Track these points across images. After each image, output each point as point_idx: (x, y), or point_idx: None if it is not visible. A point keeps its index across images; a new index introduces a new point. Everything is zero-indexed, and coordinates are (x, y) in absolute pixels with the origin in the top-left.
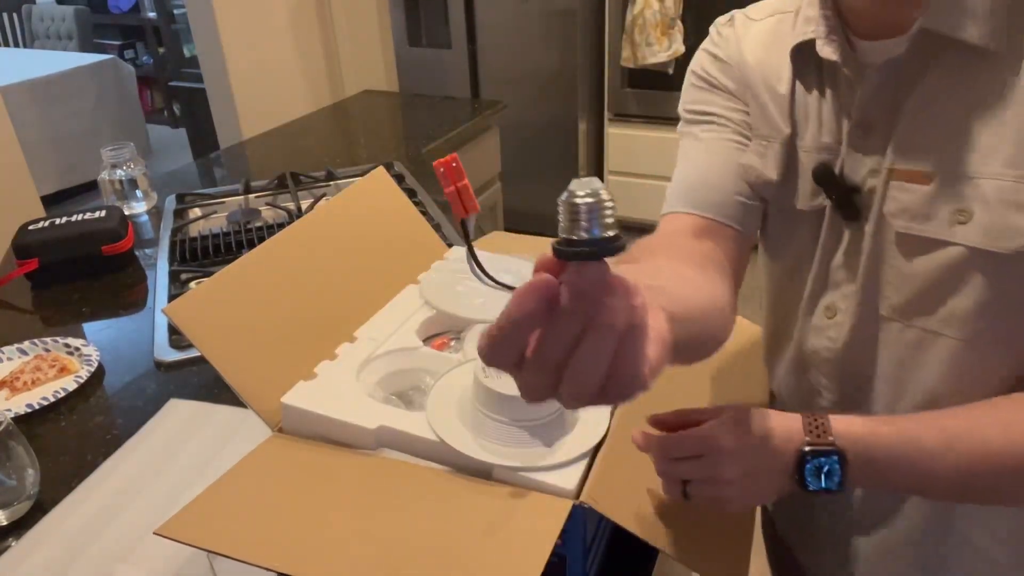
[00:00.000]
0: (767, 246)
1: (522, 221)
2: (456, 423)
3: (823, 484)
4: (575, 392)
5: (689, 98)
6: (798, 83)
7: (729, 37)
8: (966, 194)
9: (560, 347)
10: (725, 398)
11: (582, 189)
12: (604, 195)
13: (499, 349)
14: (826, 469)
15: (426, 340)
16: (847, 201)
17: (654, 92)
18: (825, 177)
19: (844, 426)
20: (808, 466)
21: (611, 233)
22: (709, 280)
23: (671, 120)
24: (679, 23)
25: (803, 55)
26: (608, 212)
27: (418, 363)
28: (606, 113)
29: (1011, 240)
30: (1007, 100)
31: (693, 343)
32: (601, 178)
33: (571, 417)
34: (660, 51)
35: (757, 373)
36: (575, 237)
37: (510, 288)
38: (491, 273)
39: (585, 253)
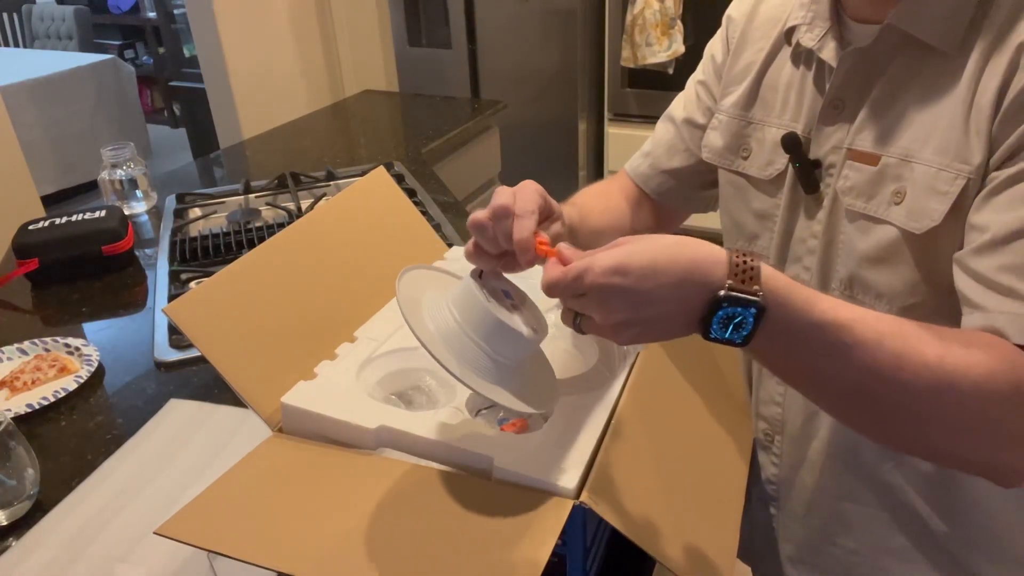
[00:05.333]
0: (727, 216)
1: None
2: (432, 331)
3: (727, 335)
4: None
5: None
6: (779, 57)
7: None
8: (904, 176)
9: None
10: (711, 383)
11: None
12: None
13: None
14: (737, 320)
15: None
16: (808, 174)
17: (654, 92)
18: (792, 146)
19: (776, 281)
20: (720, 313)
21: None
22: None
23: None
24: (679, 23)
25: (789, 37)
26: None
27: (418, 363)
28: (606, 113)
29: (923, 221)
30: (947, 95)
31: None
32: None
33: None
34: (660, 51)
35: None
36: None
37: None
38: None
39: None
